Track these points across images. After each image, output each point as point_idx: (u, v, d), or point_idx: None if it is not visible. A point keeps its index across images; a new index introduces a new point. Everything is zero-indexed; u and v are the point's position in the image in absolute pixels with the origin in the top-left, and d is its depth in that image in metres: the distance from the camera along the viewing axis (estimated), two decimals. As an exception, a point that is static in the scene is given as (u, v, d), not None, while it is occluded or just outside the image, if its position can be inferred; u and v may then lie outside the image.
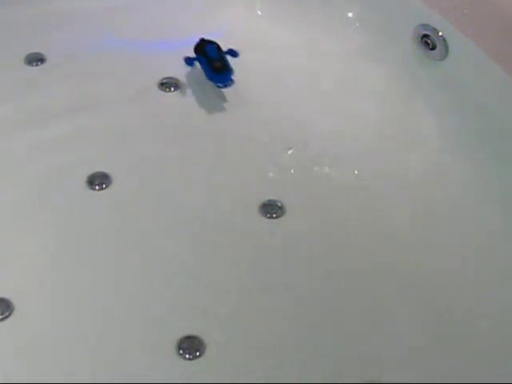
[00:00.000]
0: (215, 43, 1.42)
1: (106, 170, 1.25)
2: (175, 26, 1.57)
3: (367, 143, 1.34)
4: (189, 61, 1.42)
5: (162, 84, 1.43)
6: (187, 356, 1.02)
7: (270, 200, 1.22)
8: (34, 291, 1.09)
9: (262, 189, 1.24)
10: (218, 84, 1.39)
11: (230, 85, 1.38)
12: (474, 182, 1.26)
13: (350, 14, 1.54)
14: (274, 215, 1.20)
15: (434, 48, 1.36)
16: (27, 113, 1.36)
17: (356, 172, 1.29)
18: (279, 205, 1.22)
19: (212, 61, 1.38)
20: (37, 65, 1.46)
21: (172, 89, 1.43)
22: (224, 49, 1.42)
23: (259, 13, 1.60)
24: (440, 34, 1.34)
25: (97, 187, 1.23)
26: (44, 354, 1.02)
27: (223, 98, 1.41)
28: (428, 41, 1.37)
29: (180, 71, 1.46)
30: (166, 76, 1.44)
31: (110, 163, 1.27)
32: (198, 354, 1.02)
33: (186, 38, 1.53)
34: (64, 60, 1.48)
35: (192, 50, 1.43)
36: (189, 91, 1.43)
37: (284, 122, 1.37)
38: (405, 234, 1.20)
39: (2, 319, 1.04)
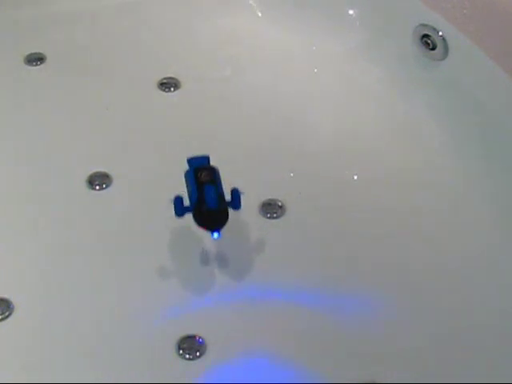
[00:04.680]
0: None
1: (106, 170, 1.25)
2: (175, 26, 1.57)
3: (367, 143, 1.34)
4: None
5: (161, 84, 1.43)
6: (187, 356, 1.01)
7: (269, 200, 1.22)
8: (34, 291, 1.09)
9: (262, 188, 1.24)
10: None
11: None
12: (473, 182, 1.26)
13: (350, 14, 1.54)
14: (274, 215, 1.20)
15: (434, 48, 1.36)
16: (26, 113, 1.37)
17: (356, 172, 1.29)
18: (279, 204, 1.22)
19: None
20: (37, 65, 1.46)
21: (172, 89, 1.43)
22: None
23: (258, 12, 1.60)
24: (440, 33, 1.34)
25: (97, 187, 1.23)
26: (44, 353, 1.02)
27: (223, 98, 1.41)
28: (428, 41, 1.37)
29: (180, 71, 1.46)
30: (166, 76, 1.44)
31: (110, 163, 1.27)
32: (197, 354, 1.02)
33: (187, 39, 1.54)
34: (64, 60, 1.48)
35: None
36: (189, 91, 1.43)
37: (284, 122, 1.37)
38: (405, 233, 1.19)
39: (2, 319, 1.04)
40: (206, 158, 1.11)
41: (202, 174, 1.06)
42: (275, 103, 1.41)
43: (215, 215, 1.04)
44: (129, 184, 1.25)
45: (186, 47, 1.52)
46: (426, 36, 1.37)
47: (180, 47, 1.52)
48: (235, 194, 1.08)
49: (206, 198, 1.03)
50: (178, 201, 1.06)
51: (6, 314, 1.05)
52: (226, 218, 1.05)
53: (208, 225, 1.05)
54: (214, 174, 1.07)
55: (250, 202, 1.22)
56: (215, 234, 1.05)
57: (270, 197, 1.23)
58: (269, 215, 1.20)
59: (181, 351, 1.02)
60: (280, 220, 1.20)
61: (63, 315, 1.06)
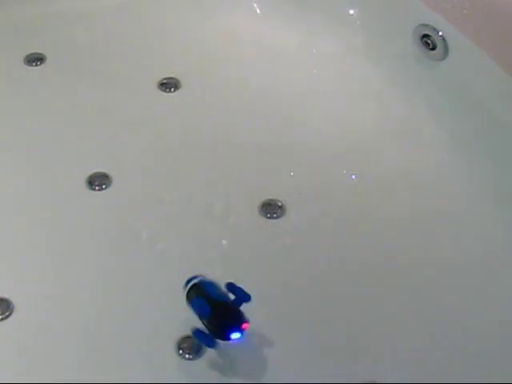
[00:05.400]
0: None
1: (105, 170, 1.25)
2: (175, 26, 1.57)
3: (367, 143, 1.34)
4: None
5: (161, 84, 1.43)
6: (187, 356, 1.01)
7: (269, 200, 1.22)
8: (34, 291, 1.09)
9: (262, 189, 1.24)
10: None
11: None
12: (474, 182, 1.26)
13: (350, 14, 1.54)
14: (274, 215, 1.20)
15: (434, 48, 1.36)
16: (27, 113, 1.37)
17: (356, 171, 1.29)
18: (279, 204, 1.22)
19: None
20: (37, 65, 1.47)
21: (172, 89, 1.43)
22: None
23: (258, 12, 1.60)
24: (440, 33, 1.34)
25: (97, 187, 1.23)
26: (44, 353, 1.02)
27: (223, 98, 1.41)
28: (428, 41, 1.37)
29: (180, 71, 1.46)
30: (166, 76, 1.44)
31: (110, 163, 1.27)
32: (198, 354, 1.02)
33: (187, 39, 1.54)
34: (64, 60, 1.48)
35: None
36: (189, 91, 1.43)
37: (284, 122, 1.37)
38: (405, 234, 1.19)
39: (2, 319, 1.04)
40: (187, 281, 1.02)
41: (190, 293, 1.00)
42: (275, 103, 1.41)
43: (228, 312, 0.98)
44: (129, 184, 1.25)
45: (186, 47, 1.52)
46: (426, 36, 1.37)
47: (180, 47, 1.53)
48: (231, 287, 1.00)
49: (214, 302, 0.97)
50: (199, 335, 0.98)
51: (6, 314, 1.05)
52: (239, 314, 0.98)
53: (226, 328, 0.97)
54: (199, 287, 1.00)
55: (250, 202, 1.22)
56: (236, 335, 0.96)
57: (269, 197, 1.23)
58: (269, 215, 1.20)
59: (181, 351, 1.02)
60: (280, 220, 1.20)
61: (63, 315, 1.06)
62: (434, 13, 1.35)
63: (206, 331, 0.97)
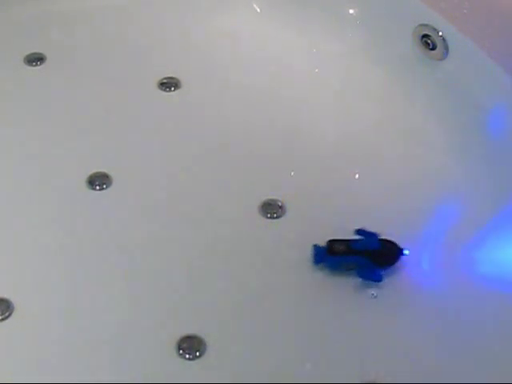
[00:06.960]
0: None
1: (106, 170, 1.25)
2: (175, 26, 1.57)
3: (367, 143, 1.34)
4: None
5: (161, 84, 1.43)
6: (187, 356, 1.01)
7: (269, 200, 1.22)
8: (34, 291, 1.09)
9: (262, 188, 1.24)
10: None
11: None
12: (473, 182, 1.26)
13: (350, 14, 1.54)
14: (274, 215, 1.20)
15: (434, 48, 1.37)
16: (27, 113, 1.37)
17: (356, 171, 1.29)
18: (279, 204, 1.22)
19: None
20: (37, 65, 1.47)
21: (172, 89, 1.43)
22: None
23: (259, 11, 1.60)
24: (440, 34, 1.34)
25: (97, 187, 1.23)
26: (44, 353, 1.02)
27: (223, 98, 1.41)
28: (428, 41, 1.37)
29: (180, 71, 1.46)
30: (166, 76, 1.44)
31: (110, 163, 1.27)
32: (197, 354, 1.02)
33: (187, 38, 1.54)
34: (64, 60, 1.49)
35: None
36: (189, 91, 1.43)
37: (284, 121, 1.37)
38: (405, 234, 1.19)
39: (2, 319, 1.04)
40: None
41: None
42: (275, 103, 1.41)
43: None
44: (129, 184, 1.25)
45: (186, 47, 1.52)
46: (426, 36, 1.37)
47: (180, 47, 1.53)
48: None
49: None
50: (365, 274, 1.11)
51: (6, 314, 1.05)
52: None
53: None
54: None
55: (250, 202, 1.22)
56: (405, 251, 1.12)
57: (270, 197, 1.23)
58: (269, 215, 1.20)
59: (181, 351, 1.02)
60: (280, 220, 1.20)
61: (63, 315, 1.06)
62: (434, 13, 1.35)
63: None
